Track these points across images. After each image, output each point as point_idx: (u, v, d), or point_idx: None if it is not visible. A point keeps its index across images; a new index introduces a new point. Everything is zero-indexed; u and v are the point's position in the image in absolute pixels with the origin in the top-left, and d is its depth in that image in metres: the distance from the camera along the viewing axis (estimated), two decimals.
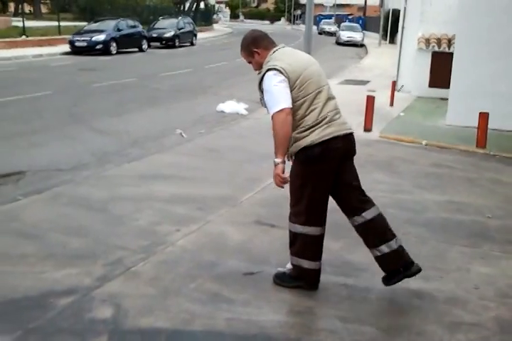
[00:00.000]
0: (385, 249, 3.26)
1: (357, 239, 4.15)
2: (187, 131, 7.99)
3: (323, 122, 3.13)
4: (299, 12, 75.80)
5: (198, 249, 3.94)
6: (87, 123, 8.45)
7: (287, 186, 3.28)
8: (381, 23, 30.73)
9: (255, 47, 3.23)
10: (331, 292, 3.39)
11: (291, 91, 3.08)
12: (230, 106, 9.93)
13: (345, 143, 3.20)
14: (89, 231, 4.19)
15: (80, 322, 2.97)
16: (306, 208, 3.23)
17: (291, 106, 3.05)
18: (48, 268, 3.57)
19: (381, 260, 3.30)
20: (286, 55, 3.20)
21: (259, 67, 3.25)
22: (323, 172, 3.18)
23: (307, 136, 3.12)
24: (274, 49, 3.23)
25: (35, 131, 7.71)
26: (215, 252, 3.89)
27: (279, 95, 3.05)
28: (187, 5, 49.41)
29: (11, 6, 52.78)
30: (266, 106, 3.16)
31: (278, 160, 3.06)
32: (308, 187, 3.19)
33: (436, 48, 11.92)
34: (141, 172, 5.80)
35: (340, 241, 4.09)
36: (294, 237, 3.33)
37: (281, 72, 3.06)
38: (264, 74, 3.11)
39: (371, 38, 35.41)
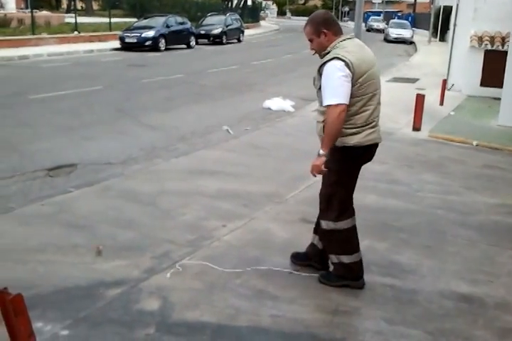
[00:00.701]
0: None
1: (404, 240, 4.12)
2: (233, 128, 8.04)
3: (370, 126, 3.15)
4: (346, 9, 75.05)
5: (244, 244, 3.97)
6: (136, 118, 8.61)
7: None
8: (431, 20, 30.07)
9: (325, 28, 3.12)
10: (376, 293, 3.36)
11: (351, 86, 3.03)
12: (276, 103, 9.92)
13: (374, 151, 3.29)
14: (137, 224, 4.27)
15: (128, 313, 3.04)
16: (340, 204, 3.26)
17: (347, 103, 3.01)
18: (97, 259, 3.66)
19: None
20: (356, 48, 3.12)
21: (320, 48, 3.16)
22: (355, 173, 3.29)
23: (354, 135, 3.11)
24: (344, 37, 3.15)
25: (87, 125, 7.91)
26: (261, 249, 3.90)
27: (339, 89, 2.99)
28: (235, 1, 49.63)
29: (64, 3, 54.24)
30: (320, 91, 3.10)
31: (323, 152, 3.07)
32: (342, 184, 3.24)
33: (489, 46, 11.58)
34: (188, 167, 5.87)
35: (387, 241, 4.04)
36: (327, 235, 3.34)
37: (348, 66, 2.99)
38: (330, 60, 3.02)
39: (421, 36, 34.71)
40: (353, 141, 3.11)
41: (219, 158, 6.29)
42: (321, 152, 3.07)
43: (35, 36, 20.45)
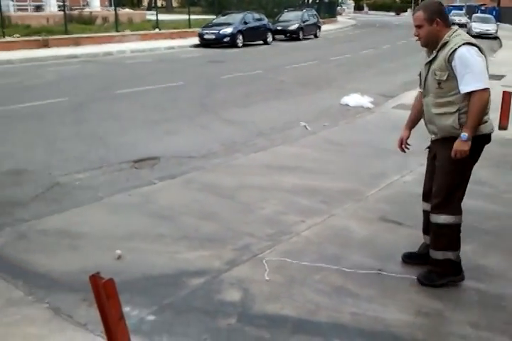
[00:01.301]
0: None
1: (490, 243, 3.98)
2: (311, 124, 8.03)
3: (488, 115, 3.17)
4: None
5: (323, 241, 3.97)
6: (216, 113, 8.79)
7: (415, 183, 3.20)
8: None
9: (439, 17, 3.08)
10: (461, 296, 3.27)
11: None
12: (354, 99, 9.80)
13: None
14: (218, 216, 4.38)
15: (210, 303, 3.13)
16: (460, 196, 3.25)
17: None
18: (181, 248, 3.79)
19: None
20: (473, 40, 3.10)
21: (428, 37, 3.11)
22: (474, 161, 3.24)
23: (486, 122, 3.13)
24: (455, 28, 3.13)
25: (169, 120, 8.16)
26: (340, 246, 3.89)
27: (483, 73, 2.99)
28: None
29: (145, 1, 55.98)
30: (445, 81, 3.05)
31: (468, 136, 3.02)
32: (465, 175, 3.23)
33: None
34: (267, 162, 5.93)
35: (472, 244, 3.90)
36: (440, 230, 3.27)
37: (481, 52, 3.03)
38: (461, 46, 3.00)
39: (506, 30, 33.12)
40: (487, 128, 3.14)
41: (297, 154, 6.31)
42: (466, 136, 3.02)
43: (118, 33, 21.30)
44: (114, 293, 2.40)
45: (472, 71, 2.97)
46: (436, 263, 3.32)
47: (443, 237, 3.26)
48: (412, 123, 3.55)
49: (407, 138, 3.56)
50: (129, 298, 3.10)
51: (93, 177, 5.48)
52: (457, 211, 3.25)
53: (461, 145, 3.04)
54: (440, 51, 3.09)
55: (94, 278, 2.33)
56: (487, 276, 3.51)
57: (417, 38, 3.17)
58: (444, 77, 3.06)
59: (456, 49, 3.00)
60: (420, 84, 3.34)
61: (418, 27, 3.12)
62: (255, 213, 4.47)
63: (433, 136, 3.31)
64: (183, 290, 3.26)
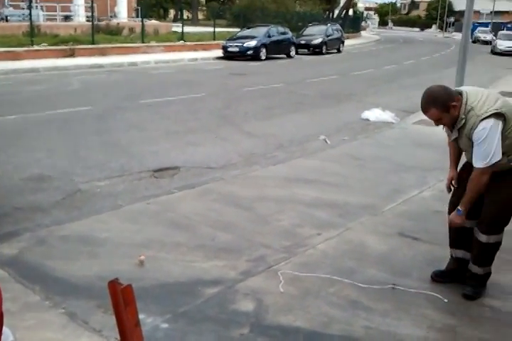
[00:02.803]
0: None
1: (506, 261, 3.94)
2: (331, 138, 8.06)
3: None
4: (452, 19, 72.56)
5: (338, 254, 3.98)
6: (237, 125, 8.87)
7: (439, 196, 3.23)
8: None
9: (450, 101, 3.05)
10: (474, 312, 3.25)
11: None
12: (375, 114, 9.81)
13: None
14: (235, 227, 4.42)
15: (224, 312, 3.15)
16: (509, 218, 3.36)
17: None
18: (197, 257, 3.83)
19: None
20: (483, 96, 3.10)
21: (453, 121, 3.12)
22: None
23: None
24: (464, 99, 3.09)
25: (191, 130, 8.27)
26: (355, 260, 3.90)
27: (493, 149, 3.04)
28: (336, 12, 49.58)
29: (171, 13, 56.79)
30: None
31: (463, 211, 3.20)
32: None
33: None
34: (286, 174, 5.97)
35: None
36: (487, 249, 3.34)
37: (498, 115, 3.02)
38: (479, 123, 3.02)
39: None
40: None
41: (316, 167, 6.34)
42: (461, 212, 3.20)
43: (144, 44, 21.65)
44: (132, 299, 2.43)
45: (485, 148, 3.02)
46: (478, 278, 3.42)
47: (490, 254, 3.37)
48: (455, 163, 3.54)
49: (455, 178, 3.51)
50: (144, 305, 3.14)
51: (113, 185, 5.58)
52: (503, 229, 3.33)
53: (456, 218, 3.23)
54: (461, 129, 3.13)
55: (113, 284, 2.37)
56: (502, 294, 3.48)
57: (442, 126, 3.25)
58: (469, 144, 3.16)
59: (475, 127, 3.03)
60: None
61: (438, 121, 3.13)
62: (272, 225, 4.51)
63: None
64: (197, 299, 3.29)
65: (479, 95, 3.10)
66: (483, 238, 3.29)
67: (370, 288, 3.48)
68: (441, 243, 3.89)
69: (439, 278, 3.59)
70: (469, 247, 3.42)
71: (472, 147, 3.10)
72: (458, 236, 3.48)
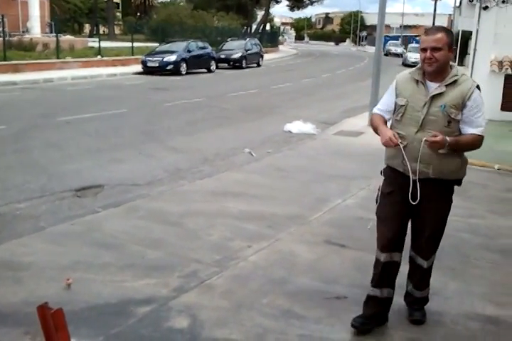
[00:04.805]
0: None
1: None
2: (255, 150, 8.16)
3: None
4: (364, 33, 75.82)
5: (270, 265, 4.03)
6: (160, 140, 8.78)
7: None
8: None
9: (454, 46, 2.99)
10: (402, 314, 3.38)
11: None
12: (297, 127, 10.04)
13: None
14: (165, 243, 4.37)
15: (158, 331, 3.11)
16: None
17: None
18: (127, 277, 3.75)
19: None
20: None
21: (443, 62, 2.88)
22: None
23: (465, 165, 3.13)
24: (455, 65, 3.03)
25: (113, 147, 8.10)
26: (286, 269, 3.96)
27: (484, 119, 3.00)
28: (254, 26, 50.44)
29: (87, 27, 55.59)
30: (454, 121, 2.92)
31: (450, 142, 2.86)
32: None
33: (509, 71, 11.63)
34: (213, 188, 5.98)
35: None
36: (428, 272, 3.32)
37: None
38: (476, 89, 2.93)
39: None
40: (465, 172, 3.13)
41: (242, 180, 6.40)
42: (449, 141, 2.86)
43: (59, 60, 21.01)
44: (63, 324, 2.35)
45: (481, 115, 2.94)
46: (422, 300, 3.34)
47: (429, 276, 3.33)
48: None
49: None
50: (75, 329, 3.02)
51: (34, 207, 5.36)
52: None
53: (441, 139, 2.82)
54: (450, 87, 2.91)
55: (42, 309, 2.28)
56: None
57: (431, 61, 2.88)
58: (459, 117, 2.91)
59: (473, 90, 2.91)
60: (399, 113, 3.02)
61: (435, 49, 2.86)
62: (202, 239, 4.49)
63: (415, 176, 2.97)
64: (130, 318, 3.22)
65: None
66: (424, 264, 3.23)
67: (301, 297, 3.55)
68: (367, 248, 4.01)
69: (363, 325, 3.13)
70: (394, 284, 3.22)
71: (452, 119, 2.90)
72: (387, 274, 3.16)
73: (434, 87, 2.94)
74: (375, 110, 3.20)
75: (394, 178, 3.11)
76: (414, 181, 2.96)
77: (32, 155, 7.47)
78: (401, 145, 2.92)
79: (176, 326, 3.16)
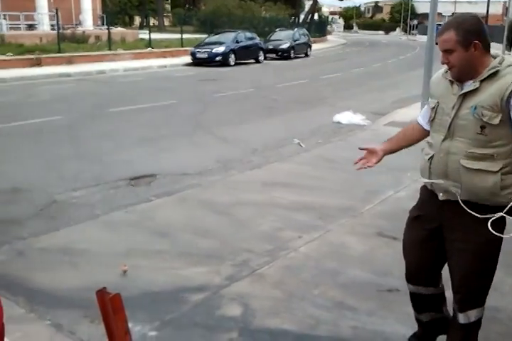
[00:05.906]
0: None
1: None
2: (304, 141, 8.12)
3: None
4: (415, 22, 74.08)
5: (320, 256, 4.02)
6: (210, 131, 8.87)
7: None
8: (505, 33, 29.19)
9: (478, 38, 2.25)
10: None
11: None
12: (346, 117, 9.93)
13: None
14: (216, 232, 4.42)
15: (211, 318, 3.16)
16: (491, 283, 2.57)
17: None
18: (180, 265, 3.82)
19: None
20: None
21: (464, 64, 2.27)
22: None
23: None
24: (502, 56, 2.35)
25: (164, 137, 8.23)
26: (338, 261, 3.94)
27: None
28: (302, 16, 50.05)
29: (137, 19, 56.50)
30: (498, 125, 2.22)
31: None
32: (496, 256, 2.49)
33: None
34: (263, 179, 6.00)
35: None
36: (471, 327, 2.57)
37: None
38: None
39: (494, 49, 33.23)
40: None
41: (292, 171, 6.39)
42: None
43: (111, 52, 21.47)
44: (121, 308, 2.41)
45: None
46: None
47: (474, 333, 2.58)
48: (397, 142, 2.85)
49: (376, 152, 2.74)
50: (131, 313, 3.07)
51: (90, 195, 5.51)
52: (485, 300, 2.54)
53: None
54: (487, 82, 2.25)
55: (101, 293, 2.35)
56: None
57: (448, 67, 2.34)
58: (496, 121, 2.21)
59: None
60: (430, 118, 2.47)
61: (447, 52, 2.28)
62: (252, 229, 4.52)
63: (444, 196, 2.41)
64: (184, 305, 3.28)
65: None
66: (460, 317, 2.51)
67: (354, 288, 3.52)
68: None
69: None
70: (438, 308, 2.77)
71: (486, 124, 2.23)
72: (419, 303, 2.79)
73: (468, 85, 2.32)
74: (417, 118, 2.73)
75: (425, 199, 2.59)
76: (443, 203, 2.42)
77: (86, 144, 7.68)
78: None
79: (229, 314, 3.20)
